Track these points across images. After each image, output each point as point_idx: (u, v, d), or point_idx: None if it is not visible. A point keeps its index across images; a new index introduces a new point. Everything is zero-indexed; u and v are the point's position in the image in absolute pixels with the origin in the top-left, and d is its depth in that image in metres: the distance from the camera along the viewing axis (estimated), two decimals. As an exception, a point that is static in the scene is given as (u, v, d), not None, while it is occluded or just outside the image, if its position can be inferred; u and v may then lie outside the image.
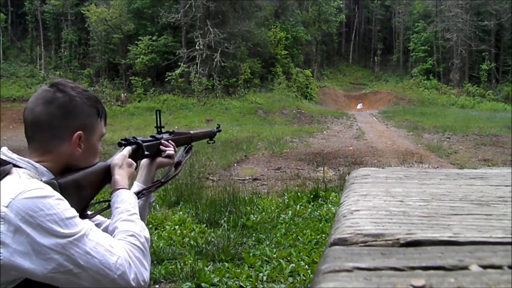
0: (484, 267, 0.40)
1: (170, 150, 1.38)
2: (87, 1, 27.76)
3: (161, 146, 1.37)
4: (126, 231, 1.02)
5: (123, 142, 1.27)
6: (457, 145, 11.87)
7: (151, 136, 1.37)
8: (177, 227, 4.18)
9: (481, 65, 30.83)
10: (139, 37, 25.61)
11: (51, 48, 29.69)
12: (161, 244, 3.66)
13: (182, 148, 1.54)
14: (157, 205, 5.07)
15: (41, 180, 1.00)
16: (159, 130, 1.41)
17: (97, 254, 0.91)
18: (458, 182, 0.83)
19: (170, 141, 1.41)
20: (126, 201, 1.09)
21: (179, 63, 24.40)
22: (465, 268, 0.40)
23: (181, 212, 4.71)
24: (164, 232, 4.04)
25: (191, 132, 1.59)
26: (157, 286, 3.04)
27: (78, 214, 0.95)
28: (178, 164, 1.46)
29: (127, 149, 1.23)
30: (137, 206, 1.12)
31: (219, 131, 1.79)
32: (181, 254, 3.46)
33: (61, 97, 1.04)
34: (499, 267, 0.40)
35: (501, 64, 32.33)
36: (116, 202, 1.09)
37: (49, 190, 0.93)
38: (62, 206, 0.91)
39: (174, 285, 3.01)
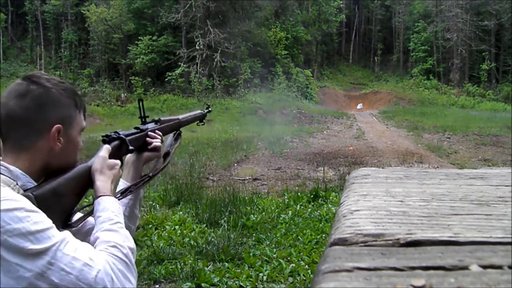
0: (484, 267, 0.40)
1: (156, 142, 1.29)
2: (87, 1, 27.76)
3: (147, 138, 1.28)
4: (107, 241, 0.94)
5: (105, 138, 1.17)
6: (457, 145, 11.87)
7: (135, 128, 1.27)
8: (177, 227, 4.18)
9: (481, 65, 30.82)
10: (139, 37, 25.62)
11: (51, 48, 29.69)
12: (161, 244, 3.66)
13: (170, 136, 1.43)
14: (157, 205, 5.07)
15: (17, 184, 0.94)
16: (143, 120, 1.31)
17: (73, 270, 0.83)
18: (458, 182, 0.83)
19: (156, 131, 1.31)
20: (108, 209, 1.01)
21: (179, 63, 24.40)
22: (465, 268, 0.40)
23: (181, 212, 4.71)
24: (164, 232, 4.04)
25: (179, 117, 1.48)
26: (157, 286, 3.04)
27: (53, 226, 0.87)
28: (166, 154, 1.36)
29: (106, 149, 1.12)
30: (121, 214, 1.04)
31: (209, 111, 1.67)
32: (181, 254, 3.46)
33: (35, 89, 0.97)
34: (499, 267, 0.40)
35: (501, 64, 32.32)
36: (97, 211, 1.01)
37: (18, 201, 0.84)
38: (33, 219, 0.83)
39: (174, 285, 3.01)
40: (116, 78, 27.28)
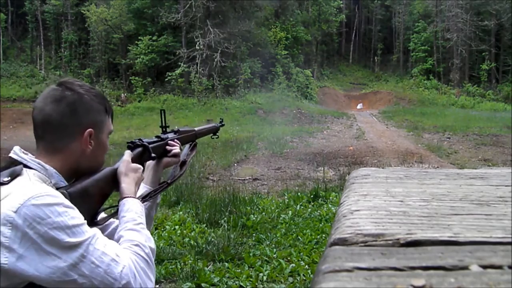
0: (484, 267, 0.40)
1: (176, 149, 1.38)
2: (87, 1, 27.75)
3: (167, 146, 1.37)
4: (131, 240, 1.01)
5: (130, 144, 1.27)
6: (457, 145, 11.87)
7: (156, 137, 1.36)
8: (177, 227, 4.18)
9: (481, 65, 30.82)
10: (139, 37, 25.61)
11: (51, 48, 29.68)
12: (161, 244, 3.66)
13: (186, 146, 1.54)
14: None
15: (51, 182, 1.00)
16: (164, 129, 1.40)
17: (102, 264, 0.90)
18: (458, 182, 0.83)
19: (175, 140, 1.41)
20: (132, 210, 1.08)
21: (179, 63, 24.39)
22: (465, 268, 0.40)
23: (181, 212, 4.72)
24: (164, 232, 4.04)
25: (195, 129, 1.59)
26: (157, 286, 3.04)
27: (85, 222, 0.94)
28: (183, 163, 1.45)
29: (128, 154, 1.21)
30: (143, 215, 1.11)
31: (222, 125, 1.77)
32: (181, 254, 3.46)
33: (70, 95, 1.04)
34: (499, 267, 0.40)
35: (501, 64, 32.32)
36: (122, 211, 1.09)
37: (57, 197, 0.92)
38: (70, 214, 0.91)
39: (174, 285, 3.01)
40: (116, 78, 27.28)
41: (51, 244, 0.86)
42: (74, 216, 0.92)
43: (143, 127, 17.02)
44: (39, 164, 1.01)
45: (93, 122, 1.08)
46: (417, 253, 0.45)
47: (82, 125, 1.06)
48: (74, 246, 0.88)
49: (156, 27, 26.37)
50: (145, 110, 21.62)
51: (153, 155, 1.26)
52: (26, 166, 0.99)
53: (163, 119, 1.37)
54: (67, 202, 0.93)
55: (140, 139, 1.28)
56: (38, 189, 0.91)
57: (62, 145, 1.05)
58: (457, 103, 26.61)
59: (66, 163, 1.06)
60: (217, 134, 1.75)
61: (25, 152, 1.05)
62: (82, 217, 0.94)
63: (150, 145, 1.28)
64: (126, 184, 1.14)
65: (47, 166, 1.02)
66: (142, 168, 1.22)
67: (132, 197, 1.12)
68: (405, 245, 0.47)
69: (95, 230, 0.96)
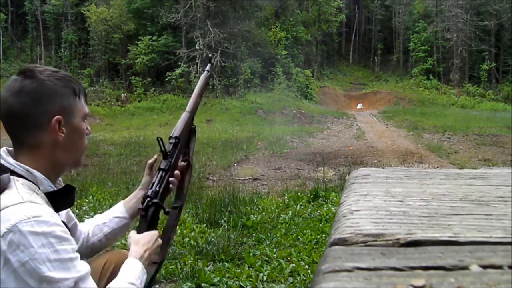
0: (484, 267, 0.40)
1: (173, 185, 1.31)
2: (87, 1, 27.76)
3: (170, 186, 1.29)
4: None
5: (142, 213, 1.18)
6: (457, 145, 11.87)
7: (159, 169, 1.25)
8: (177, 227, 4.18)
9: (481, 65, 30.82)
10: (139, 37, 25.62)
11: (51, 48, 29.70)
12: (161, 244, 3.65)
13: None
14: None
15: (39, 189, 0.96)
16: (165, 155, 1.29)
17: None
18: (458, 182, 0.83)
19: (176, 173, 1.30)
20: (132, 271, 1.03)
21: (179, 63, 24.40)
22: (465, 268, 0.40)
23: (181, 212, 4.71)
24: (164, 232, 4.03)
25: (188, 109, 1.41)
26: (157, 286, 3.04)
27: (77, 257, 0.89)
28: (188, 165, 1.40)
29: (133, 233, 1.15)
30: (142, 282, 1.04)
31: (212, 64, 1.64)
32: (181, 254, 3.46)
33: (29, 84, 0.96)
34: (499, 267, 0.40)
35: (501, 64, 32.32)
36: (124, 267, 1.04)
37: (48, 224, 0.86)
38: (56, 246, 0.85)
39: (174, 285, 3.01)
40: (116, 78, 27.28)
41: (30, 275, 0.82)
42: (62, 249, 0.86)
43: (143, 127, 17.01)
44: (26, 170, 0.95)
45: (60, 108, 0.99)
46: (417, 253, 0.45)
47: (48, 113, 0.97)
48: (54, 282, 0.83)
49: (156, 27, 26.38)
50: (145, 110, 21.63)
51: (166, 210, 1.23)
52: (13, 172, 0.94)
53: (161, 145, 1.26)
54: (60, 231, 0.88)
55: (149, 196, 1.19)
56: (28, 211, 0.86)
57: (34, 139, 0.98)
58: (457, 103, 26.61)
59: (45, 159, 0.99)
60: (209, 83, 1.63)
61: (11, 151, 1.00)
62: (73, 252, 0.88)
63: (159, 197, 1.21)
64: (136, 247, 1.09)
65: (35, 172, 0.96)
66: (157, 233, 1.15)
67: (138, 260, 1.06)
68: (405, 245, 0.47)
69: (86, 270, 0.91)
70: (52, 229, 0.86)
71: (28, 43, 30.52)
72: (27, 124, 0.97)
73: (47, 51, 29.34)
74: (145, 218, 1.16)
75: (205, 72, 1.58)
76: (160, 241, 1.15)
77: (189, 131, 1.40)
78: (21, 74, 0.99)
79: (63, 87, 1.01)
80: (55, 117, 0.98)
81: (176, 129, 1.32)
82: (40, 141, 0.98)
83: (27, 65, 1.09)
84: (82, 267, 0.90)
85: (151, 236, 1.12)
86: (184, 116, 1.37)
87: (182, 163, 1.38)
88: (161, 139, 1.26)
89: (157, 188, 1.21)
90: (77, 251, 0.92)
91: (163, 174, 1.24)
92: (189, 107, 1.42)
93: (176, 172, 1.29)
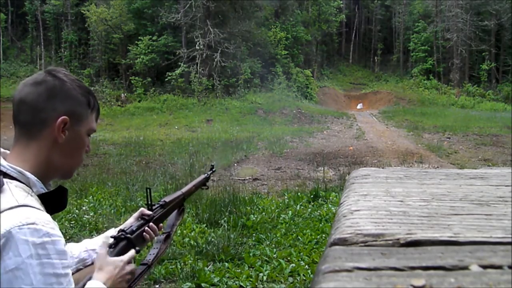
0: (484, 267, 0.40)
1: (148, 240, 1.28)
2: (87, 1, 27.77)
3: (144, 233, 1.25)
4: None
5: (113, 242, 1.17)
6: (457, 145, 11.87)
7: (141, 217, 1.27)
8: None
9: (481, 65, 30.82)
10: (139, 37, 25.62)
11: (51, 48, 29.71)
12: (161, 244, 3.66)
13: (173, 214, 1.44)
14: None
15: (33, 191, 0.95)
16: (150, 207, 1.31)
17: None
18: (458, 182, 0.83)
19: (153, 227, 1.29)
20: None
21: (179, 63, 24.40)
22: (465, 268, 0.40)
23: (181, 212, 4.71)
24: (164, 232, 4.03)
25: (183, 191, 1.48)
26: (157, 286, 3.04)
27: (67, 273, 0.88)
28: (167, 237, 1.37)
29: (104, 245, 1.13)
30: None
31: (213, 171, 1.68)
32: (181, 254, 3.46)
33: (51, 80, 1.00)
34: (499, 267, 0.40)
35: (501, 64, 32.32)
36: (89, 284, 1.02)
37: (40, 232, 0.85)
38: (43, 259, 0.84)
39: (174, 285, 3.02)
40: (116, 78, 27.29)
41: (11, 284, 0.82)
42: (48, 262, 0.85)
43: (143, 127, 17.02)
44: (19, 172, 0.95)
45: (70, 111, 1.01)
46: (417, 253, 0.45)
47: (57, 110, 0.99)
48: None
49: (156, 27, 26.38)
50: (145, 110, 21.64)
51: (137, 248, 1.19)
52: (5, 174, 0.94)
53: (148, 197, 1.29)
54: (51, 242, 0.86)
55: (123, 231, 1.18)
56: (23, 217, 0.85)
57: (37, 132, 0.99)
58: (457, 103, 26.62)
59: (40, 158, 0.99)
60: (207, 185, 1.66)
61: (3, 153, 1.00)
62: (62, 267, 0.87)
63: (133, 235, 1.20)
64: (99, 274, 1.04)
65: (28, 174, 0.96)
66: (124, 259, 1.11)
67: (99, 286, 1.01)
68: (405, 245, 0.47)
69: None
70: (43, 240, 0.85)
71: (28, 43, 30.53)
72: (35, 115, 0.99)
73: (47, 51, 29.34)
74: (113, 249, 1.15)
75: (206, 174, 1.67)
76: (129, 267, 1.11)
77: (179, 208, 1.47)
78: (47, 71, 1.04)
79: (80, 94, 1.04)
80: (63, 117, 1.00)
81: (167, 198, 1.40)
82: (41, 135, 0.99)
83: (56, 67, 1.10)
84: (67, 285, 0.88)
85: (115, 265, 1.08)
86: (177, 193, 1.46)
87: (163, 235, 1.40)
88: (150, 190, 1.30)
89: (134, 229, 1.22)
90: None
91: (143, 222, 1.27)
92: (184, 189, 1.51)
93: (155, 227, 1.30)
